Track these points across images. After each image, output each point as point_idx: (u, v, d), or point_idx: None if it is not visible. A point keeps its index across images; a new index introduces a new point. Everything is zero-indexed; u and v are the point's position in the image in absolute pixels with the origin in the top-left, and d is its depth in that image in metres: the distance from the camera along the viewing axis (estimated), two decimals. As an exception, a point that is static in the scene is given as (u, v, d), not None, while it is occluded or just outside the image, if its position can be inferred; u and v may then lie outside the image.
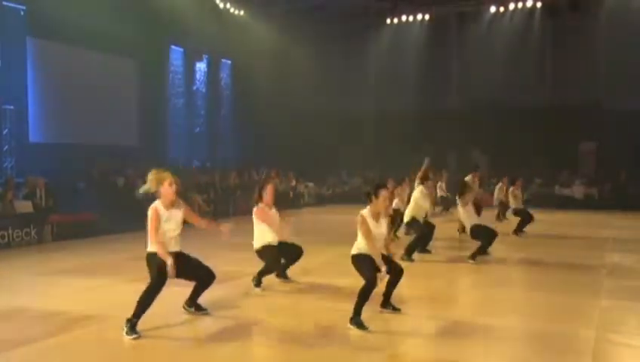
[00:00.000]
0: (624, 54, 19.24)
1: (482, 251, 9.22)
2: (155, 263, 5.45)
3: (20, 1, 14.94)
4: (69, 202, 13.16)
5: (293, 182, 20.68)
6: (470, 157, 20.52)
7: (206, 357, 4.98)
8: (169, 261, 5.32)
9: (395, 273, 5.85)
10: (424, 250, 9.85)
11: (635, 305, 6.52)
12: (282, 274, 7.62)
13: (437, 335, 5.46)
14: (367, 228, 5.71)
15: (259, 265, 7.27)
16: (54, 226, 12.01)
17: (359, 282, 5.61)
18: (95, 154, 16.07)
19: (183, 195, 15.31)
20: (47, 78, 15.96)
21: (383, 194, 5.78)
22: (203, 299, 6.06)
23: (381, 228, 5.81)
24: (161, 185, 5.60)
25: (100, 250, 10.77)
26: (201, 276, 5.88)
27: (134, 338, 5.21)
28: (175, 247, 5.65)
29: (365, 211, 5.79)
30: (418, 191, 9.94)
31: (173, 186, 5.63)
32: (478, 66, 21.94)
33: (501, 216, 14.82)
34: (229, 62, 23.63)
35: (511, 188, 13.21)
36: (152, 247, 5.52)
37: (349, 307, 5.50)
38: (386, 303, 6.02)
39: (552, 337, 5.32)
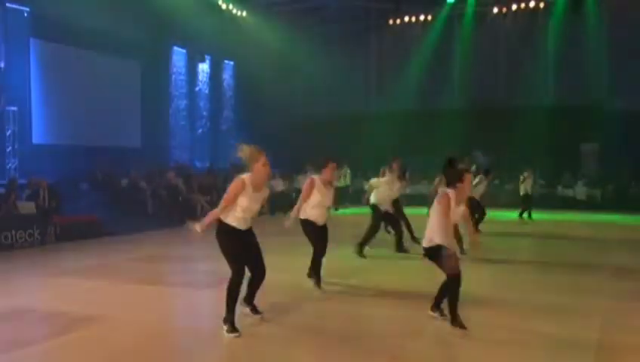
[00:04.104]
0: (626, 55, 19.22)
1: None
2: (227, 245, 5.25)
3: (23, 2, 14.96)
4: (72, 203, 13.17)
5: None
6: (471, 158, 20.45)
7: (207, 357, 4.99)
8: (199, 228, 5.17)
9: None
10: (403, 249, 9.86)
11: (639, 306, 6.51)
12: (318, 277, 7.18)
13: (438, 336, 5.47)
14: (449, 206, 5.38)
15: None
16: (57, 227, 11.99)
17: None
18: (98, 155, 16.05)
19: (187, 197, 15.34)
20: (50, 79, 15.95)
21: (468, 177, 5.51)
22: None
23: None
24: (255, 161, 5.26)
25: (102, 251, 10.77)
26: (257, 267, 5.56)
27: (235, 337, 5.16)
28: (247, 224, 5.42)
29: (450, 192, 5.44)
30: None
31: (267, 167, 5.31)
32: (480, 67, 21.92)
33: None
34: (232, 63, 23.65)
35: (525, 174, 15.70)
36: (222, 216, 5.29)
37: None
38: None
39: (554, 338, 5.32)
